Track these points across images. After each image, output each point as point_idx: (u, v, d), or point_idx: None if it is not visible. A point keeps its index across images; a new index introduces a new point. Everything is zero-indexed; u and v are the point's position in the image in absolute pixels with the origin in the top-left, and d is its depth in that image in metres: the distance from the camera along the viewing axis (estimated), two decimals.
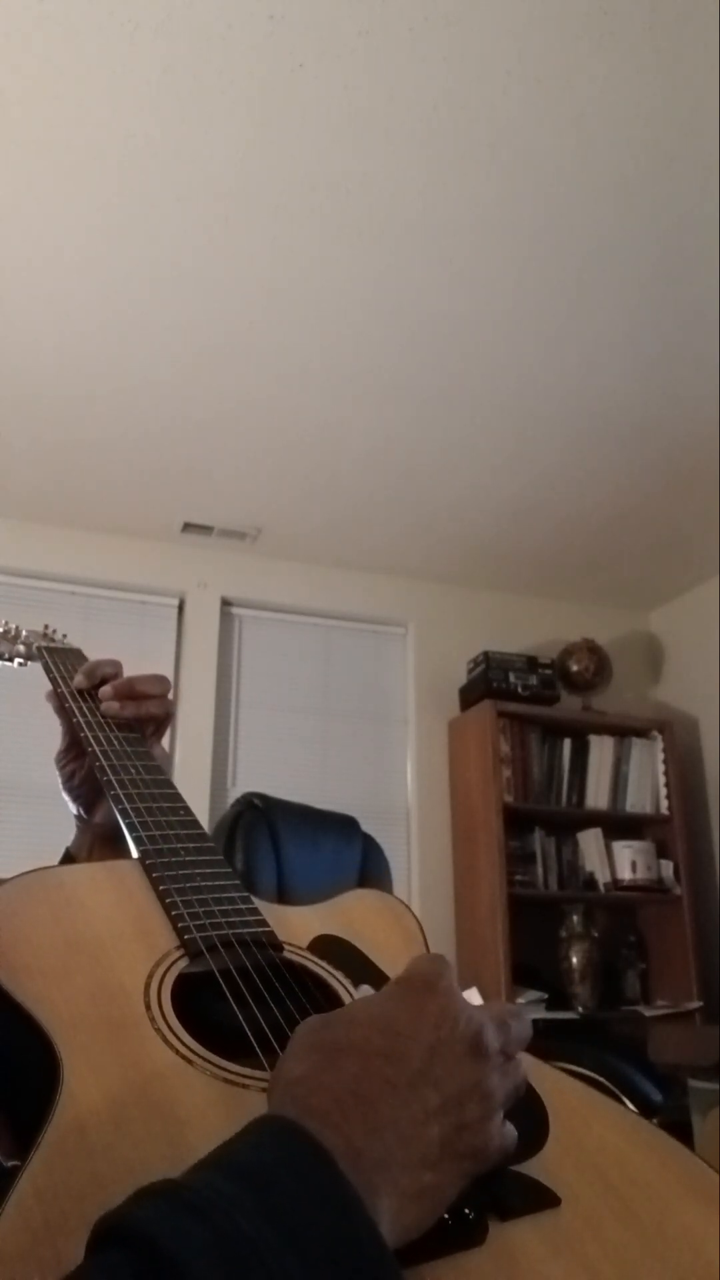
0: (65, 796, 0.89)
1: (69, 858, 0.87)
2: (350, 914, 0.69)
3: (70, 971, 0.54)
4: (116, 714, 0.83)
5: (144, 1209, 0.32)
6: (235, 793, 2.81)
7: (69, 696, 0.86)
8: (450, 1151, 0.40)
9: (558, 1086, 0.54)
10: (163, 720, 0.87)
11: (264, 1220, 0.32)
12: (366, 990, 0.48)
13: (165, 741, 0.89)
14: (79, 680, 0.87)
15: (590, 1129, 0.50)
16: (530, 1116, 0.50)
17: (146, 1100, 0.46)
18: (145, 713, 0.84)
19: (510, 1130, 0.44)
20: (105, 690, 0.85)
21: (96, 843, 0.86)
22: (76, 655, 0.96)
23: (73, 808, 0.89)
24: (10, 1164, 0.43)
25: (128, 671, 0.89)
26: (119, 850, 0.83)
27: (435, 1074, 0.40)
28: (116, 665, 0.89)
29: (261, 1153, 0.35)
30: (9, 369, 2.46)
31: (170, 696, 0.88)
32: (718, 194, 1.91)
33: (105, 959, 0.56)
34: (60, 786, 0.89)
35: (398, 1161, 0.37)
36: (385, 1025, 0.42)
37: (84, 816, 0.88)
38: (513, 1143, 0.43)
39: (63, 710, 0.87)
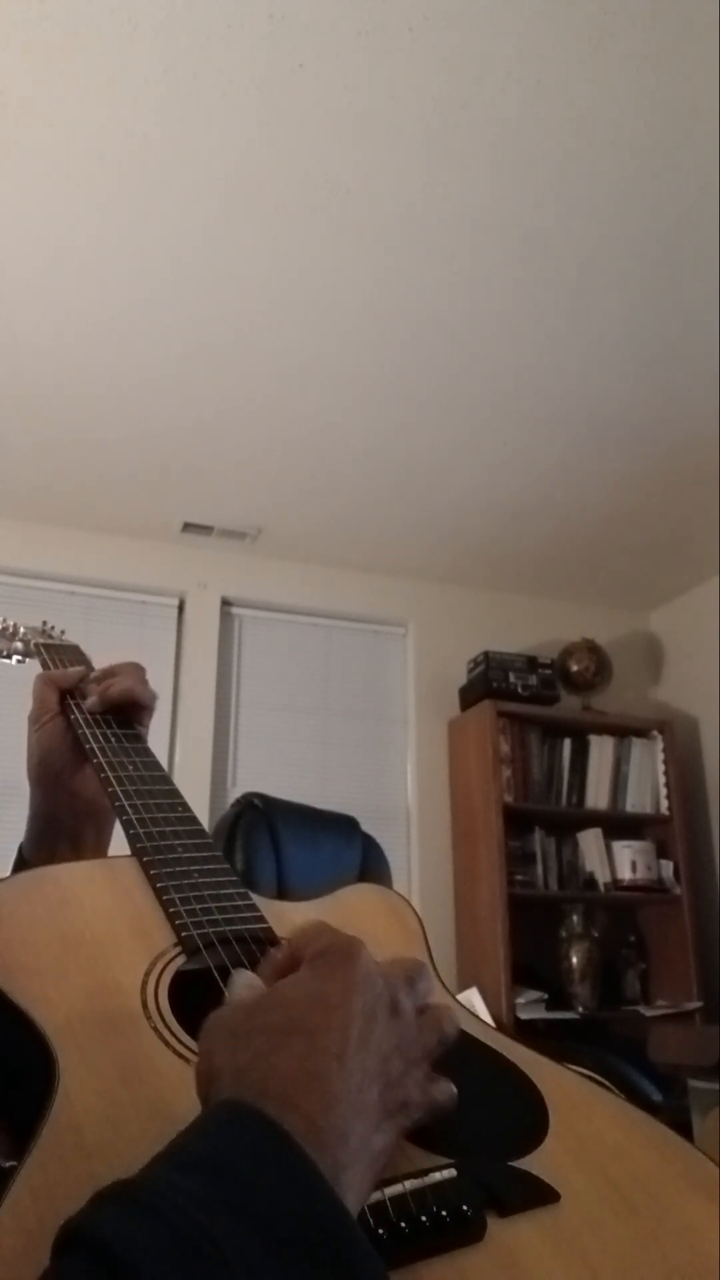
0: (30, 772, 0.84)
1: (21, 858, 0.83)
2: (349, 909, 0.69)
3: (67, 970, 0.54)
4: (93, 707, 0.83)
5: (101, 1213, 0.32)
6: (235, 793, 2.81)
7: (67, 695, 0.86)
8: (387, 1110, 0.40)
9: (557, 1080, 0.53)
10: (135, 699, 0.85)
11: (223, 1213, 0.31)
12: (244, 974, 0.48)
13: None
14: (91, 704, 0.85)
15: (590, 1123, 0.50)
16: (529, 1110, 0.50)
17: (143, 1099, 0.45)
18: (114, 694, 0.84)
19: (446, 1087, 0.44)
20: (91, 701, 0.85)
21: (67, 846, 0.82)
22: (75, 652, 0.96)
23: (33, 786, 0.84)
24: (9, 1164, 0.42)
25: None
26: (95, 839, 0.82)
27: (369, 1039, 0.41)
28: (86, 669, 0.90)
29: (220, 1142, 0.35)
30: (9, 369, 2.46)
31: (148, 680, 0.88)
32: (718, 194, 1.91)
33: (102, 957, 0.56)
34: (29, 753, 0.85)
35: (354, 1132, 0.37)
36: (318, 1001, 0.42)
37: (50, 782, 0.84)
38: (448, 1098, 0.44)
39: (54, 687, 0.87)
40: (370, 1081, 0.40)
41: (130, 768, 0.77)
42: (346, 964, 0.44)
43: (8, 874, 0.81)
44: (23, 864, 0.82)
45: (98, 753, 0.78)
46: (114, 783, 0.75)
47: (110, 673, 0.87)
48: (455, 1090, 0.44)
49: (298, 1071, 0.38)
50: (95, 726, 0.82)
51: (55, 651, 0.94)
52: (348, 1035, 0.40)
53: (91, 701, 0.84)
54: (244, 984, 0.47)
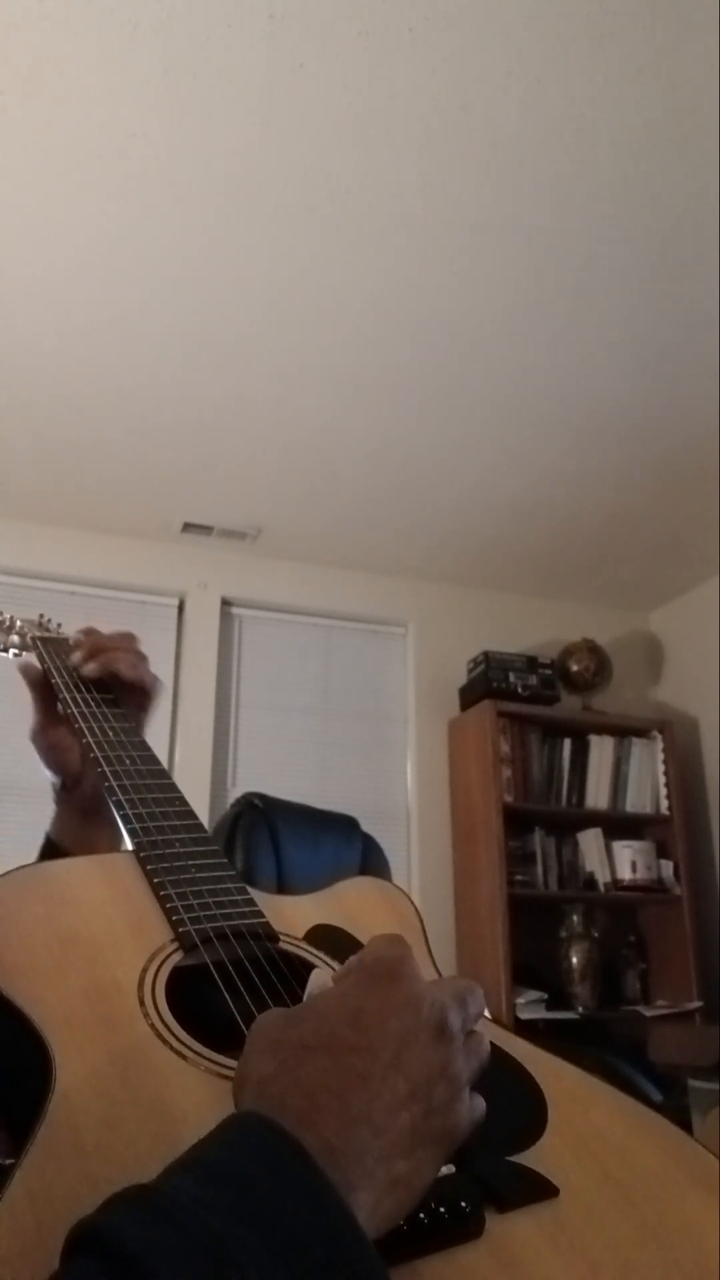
0: (46, 771, 0.88)
1: (49, 843, 0.86)
2: (347, 902, 0.69)
3: (64, 969, 0.53)
4: (85, 672, 0.85)
5: (115, 1215, 0.32)
6: (235, 793, 2.81)
7: (63, 686, 0.86)
8: (420, 1137, 0.39)
9: (556, 1074, 0.53)
10: (138, 688, 0.87)
11: (238, 1222, 0.31)
12: (320, 977, 0.48)
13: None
14: (75, 658, 0.87)
15: (589, 1117, 0.50)
16: (528, 1105, 0.50)
17: (140, 1098, 0.45)
18: (113, 667, 0.85)
19: (478, 1103, 0.43)
20: (75, 657, 0.86)
21: (78, 819, 0.86)
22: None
23: (54, 779, 0.88)
24: (7, 1162, 0.42)
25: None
26: (103, 823, 0.84)
27: (404, 1063, 0.40)
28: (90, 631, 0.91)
29: (236, 1152, 0.35)
30: (9, 369, 2.45)
31: (144, 656, 0.89)
32: (718, 194, 1.91)
33: (99, 955, 0.55)
34: (41, 762, 0.89)
35: (372, 1154, 0.37)
36: (353, 1018, 0.41)
37: (66, 785, 0.87)
38: (481, 1114, 0.43)
39: (37, 687, 0.88)
40: (401, 1106, 0.39)
41: (127, 760, 0.77)
42: (390, 982, 0.43)
43: (34, 857, 0.84)
44: (49, 844, 0.86)
45: (94, 746, 0.78)
46: (110, 776, 0.75)
47: (98, 647, 0.87)
48: (484, 1104, 0.43)
49: (319, 1088, 0.38)
50: (93, 720, 0.81)
51: (52, 645, 0.94)
52: (377, 1057, 0.39)
53: (71, 673, 0.86)
54: (319, 983, 0.47)
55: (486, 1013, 0.49)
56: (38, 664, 0.90)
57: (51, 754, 0.87)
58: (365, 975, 0.44)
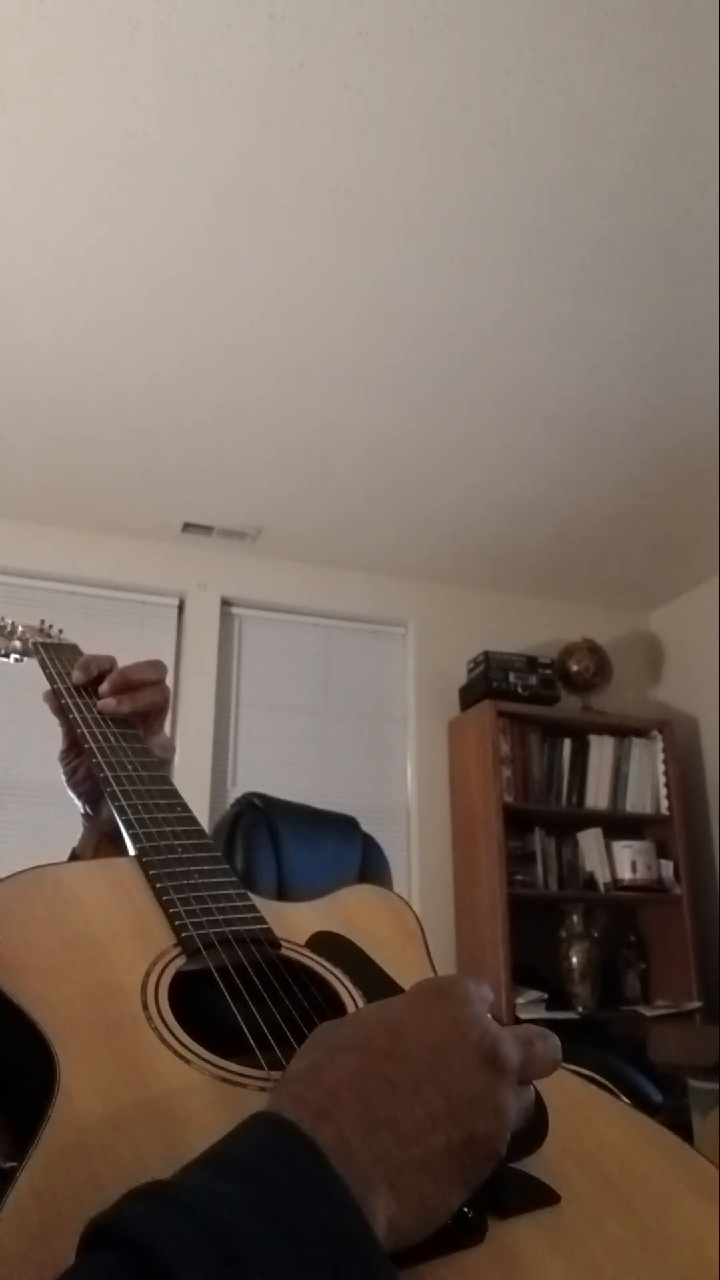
0: (70, 794, 0.89)
1: (75, 858, 0.87)
2: (348, 910, 0.69)
3: (67, 971, 0.54)
4: (115, 710, 0.83)
5: (131, 1208, 0.32)
6: (235, 793, 2.81)
7: (65, 693, 0.85)
8: (457, 1162, 0.39)
9: (557, 1083, 0.53)
10: (161, 708, 0.86)
11: (251, 1213, 0.32)
12: None
13: (166, 728, 0.89)
14: (76, 676, 0.86)
15: (591, 1125, 0.50)
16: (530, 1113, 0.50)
17: (144, 1100, 0.45)
18: (143, 704, 0.84)
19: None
20: (103, 688, 0.85)
21: (103, 841, 0.86)
22: (73, 651, 0.96)
23: (79, 805, 0.89)
24: (9, 1165, 0.42)
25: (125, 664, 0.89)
26: (125, 847, 0.84)
27: (440, 1079, 0.39)
28: (111, 660, 0.88)
29: (250, 1148, 0.35)
30: (9, 369, 2.45)
31: (167, 681, 0.87)
32: (718, 194, 1.91)
33: (102, 958, 0.55)
34: (65, 784, 0.89)
35: (395, 1161, 0.37)
36: (389, 1026, 0.41)
37: (90, 814, 0.88)
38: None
39: (60, 709, 0.86)
40: (437, 1124, 0.38)
41: (129, 767, 0.77)
42: (437, 999, 0.43)
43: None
44: (74, 859, 0.86)
45: (96, 752, 0.78)
46: (113, 782, 0.75)
47: (128, 684, 0.84)
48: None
49: (341, 1087, 0.38)
50: (95, 726, 0.81)
51: (53, 650, 0.94)
52: (408, 1067, 0.39)
53: (123, 704, 0.83)
54: None
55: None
56: (43, 670, 0.90)
57: (73, 779, 0.88)
58: (415, 991, 0.44)
